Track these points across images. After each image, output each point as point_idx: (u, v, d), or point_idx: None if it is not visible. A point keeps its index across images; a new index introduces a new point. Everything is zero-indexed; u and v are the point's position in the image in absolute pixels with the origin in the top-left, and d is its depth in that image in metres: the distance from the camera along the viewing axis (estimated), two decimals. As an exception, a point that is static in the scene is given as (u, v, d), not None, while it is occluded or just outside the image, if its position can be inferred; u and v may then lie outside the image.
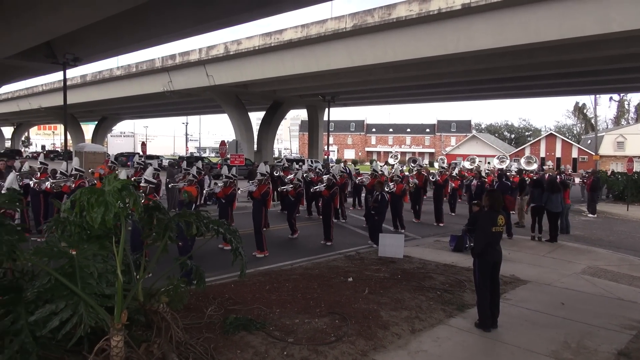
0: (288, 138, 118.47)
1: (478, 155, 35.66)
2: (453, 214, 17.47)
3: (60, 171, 11.84)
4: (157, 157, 49.63)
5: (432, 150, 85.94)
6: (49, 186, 11.21)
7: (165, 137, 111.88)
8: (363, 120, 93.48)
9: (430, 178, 16.52)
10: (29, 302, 3.90)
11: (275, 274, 8.07)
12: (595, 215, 18.78)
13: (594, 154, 50.66)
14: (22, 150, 65.88)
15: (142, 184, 8.48)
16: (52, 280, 3.83)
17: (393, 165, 18.03)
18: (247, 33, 75.49)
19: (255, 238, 10.01)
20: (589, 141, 60.87)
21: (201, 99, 41.13)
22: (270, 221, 12.98)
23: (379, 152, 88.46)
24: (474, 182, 15.52)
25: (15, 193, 6.39)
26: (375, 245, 10.47)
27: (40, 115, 61.96)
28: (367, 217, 12.93)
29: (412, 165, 19.15)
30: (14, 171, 11.20)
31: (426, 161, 51.55)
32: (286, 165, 18.18)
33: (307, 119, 48.11)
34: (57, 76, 36.14)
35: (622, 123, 71.63)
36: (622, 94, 66.41)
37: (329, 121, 37.85)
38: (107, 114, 62.28)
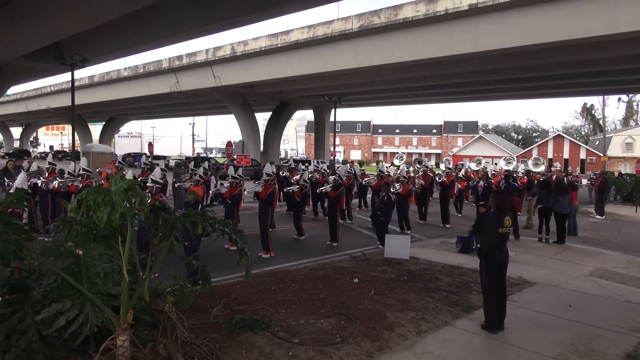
0: (294, 139, 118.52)
1: (485, 157, 35.58)
2: (459, 215, 17.41)
3: (68, 171, 11.91)
4: (164, 157, 49.90)
5: (439, 151, 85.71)
6: (56, 185, 11.29)
7: (172, 137, 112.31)
8: (369, 121, 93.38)
9: (437, 179, 16.47)
10: (35, 301, 3.92)
11: (281, 275, 8.07)
12: (603, 217, 18.65)
13: (602, 155, 50.25)
14: (31, 150, 66.45)
15: (148, 184, 8.52)
16: (59, 279, 3.85)
17: (399, 166, 17.98)
18: (253, 34, 75.71)
19: (261, 238, 10.02)
20: (597, 142, 60.46)
21: (208, 100, 41.23)
22: (276, 222, 13.00)
23: (385, 153, 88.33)
24: (481, 183, 15.47)
25: (23, 192, 6.44)
26: (382, 246, 10.46)
27: (48, 116, 62.46)
28: (373, 217, 12.91)
29: (418, 166, 19.10)
30: (23, 171, 11.27)
31: (432, 162, 51.37)
32: (293, 165, 18.20)
33: (313, 120, 48.09)
34: (65, 77, 36.46)
35: (631, 124, 71.06)
36: (630, 95, 65.89)
37: (335, 122, 37.83)
38: (114, 115, 62.61)
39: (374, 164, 62.26)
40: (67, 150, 67.72)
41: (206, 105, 48.42)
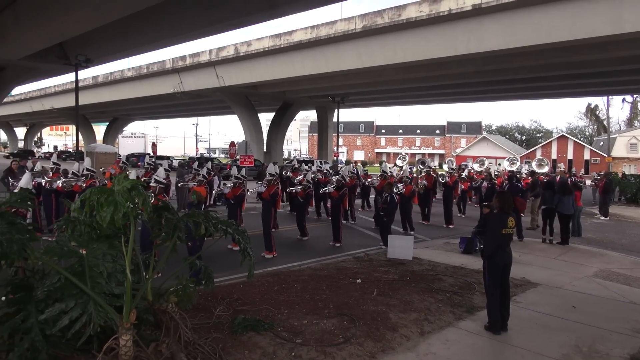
0: (297, 139, 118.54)
1: (488, 157, 35.46)
2: (463, 215, 17.38)
3: (72, 171, 11.94)
4: (168, 157, 49.98)
5: (442, 151, 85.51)
6: (60, 185, 11.32)
7: (175, 138, 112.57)
8: (372, 122, 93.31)
9: (440, 180, 16.45)
10: (39, 301, 3.94)
11: (284, 275, 8.07)
12: (607, 218, 18.56)
13: (606, 155, 50.07)
14: (35, 150, 66.68)
15: (152, 184, 8.54)
16: (62, 279, 3.87)
17: (401, 167, 17.96)
18: (257, 34, 75.79)
19: (264, 239, 10.02)
20: (602, 143, 60.16)
21: (211, 100, 41.32)
22: (279, 222, 12.99)
23: (388, 154, 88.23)
24: (484, 183, 15.43)
25: (27, 192, 6.45)
26: (385, 246, 10.44)
27: (52, 116, 62.74)
28: (376, 218, 12.89)
29: (421, 167, 19.06)
30: (28, 172, 11.31)
31: (436, 162, 51.31)
32: (297, 166, 18.19)
33: (316, 120, 48.15)
34: (69, 77, 36.66)
35: (635, 125, 70.64)
36: (634, 96, 65.55)
37: (338, 122, 37.85)
38: (118, 115, 62.81)
39: (377, 165, 62.22)
40: (71, 150, 68.02)
41: (209, 106, 48.53)
